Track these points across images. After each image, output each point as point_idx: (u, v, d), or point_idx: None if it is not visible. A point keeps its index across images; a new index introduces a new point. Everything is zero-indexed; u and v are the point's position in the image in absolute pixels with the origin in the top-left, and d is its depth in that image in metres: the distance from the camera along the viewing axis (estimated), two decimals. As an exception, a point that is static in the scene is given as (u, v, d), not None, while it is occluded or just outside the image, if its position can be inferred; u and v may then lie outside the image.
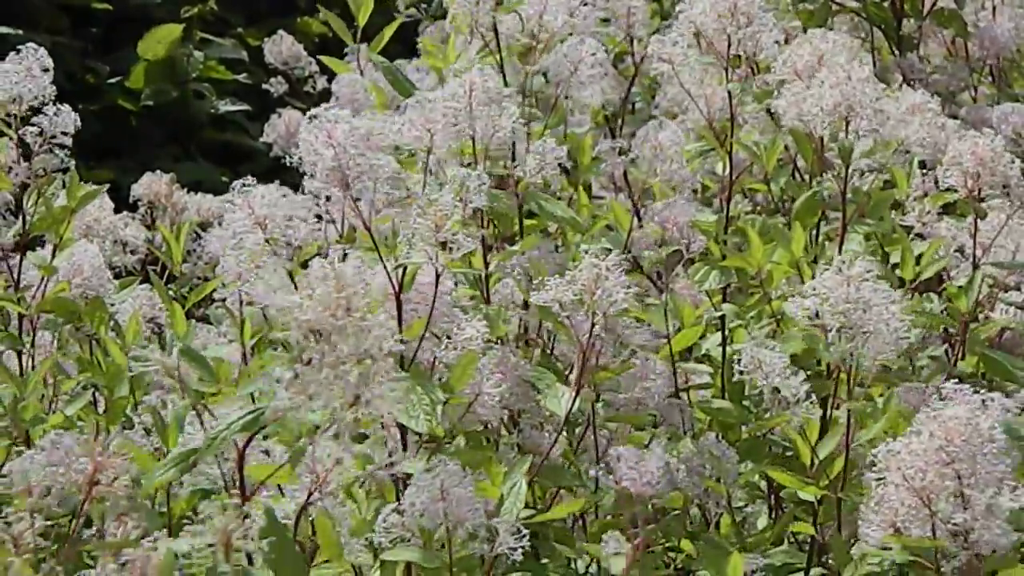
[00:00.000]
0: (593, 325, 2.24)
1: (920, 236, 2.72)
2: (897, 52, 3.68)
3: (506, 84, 2.68)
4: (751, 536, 2.53)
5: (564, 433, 2.40)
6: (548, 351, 2.58)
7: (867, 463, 2.03)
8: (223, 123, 6.08)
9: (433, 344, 2.23)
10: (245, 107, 6.00)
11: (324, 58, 3.38)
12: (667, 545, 2.57)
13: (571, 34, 2.75)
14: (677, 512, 2.49)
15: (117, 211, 3.26)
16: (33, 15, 6.04)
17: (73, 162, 2.55)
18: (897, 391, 2.40)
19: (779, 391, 2.29)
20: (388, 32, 3.16)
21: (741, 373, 2.30)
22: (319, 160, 2.13)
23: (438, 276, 2.16)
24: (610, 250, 2.24)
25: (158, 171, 3.89)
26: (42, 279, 2.57)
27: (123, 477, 1.79)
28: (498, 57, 2.72)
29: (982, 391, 2.32)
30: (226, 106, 6.07)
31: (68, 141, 2.52)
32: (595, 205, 3.01)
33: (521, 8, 2.74)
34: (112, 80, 6.06)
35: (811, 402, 2.29)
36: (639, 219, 2.87)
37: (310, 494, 1.90)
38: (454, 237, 2.13)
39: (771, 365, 2.30)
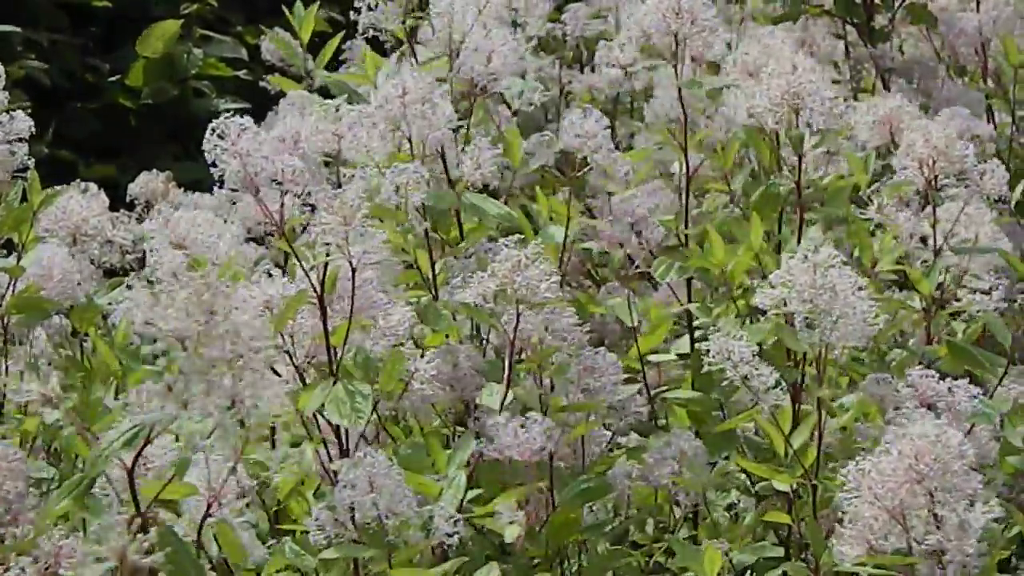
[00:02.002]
0: (518, 316, 2.25)
1: (881, 227, 2.75)
2: (870, 45, 3.70)
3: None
4: (729, 529, 2.54)
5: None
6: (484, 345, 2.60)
7: (838, 484, 2.03)
8: (223, 121, 6.09)
9: (361, 335, 2.24)
10: (245, 105, 6.01)
11: (276, 78, 3.41)
12: (645, 542, 2.61)
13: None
14: (644, 508, 2.53)
15: (116, 209, 3.29)
16: (33, 13, 6.04)
17: (32, 160, 2.60)
18: (864, 382, 2.43)
19: (748, 380, 2.30)
20: (331, 48, 3.17)
21: (710, 364, 2.31)
22: (226, 170, 2.16)
23: (354, 271, 2.16)
24: (526, 240, 2.26)
25: (155, 170, 3.91)
26: (10, 281, 2.62)
27: (14, 479, 1.78)
28: (412, 63, 2.74)
29: (948, 378, 2.36)
30: (226, 104, 6.09)
31: (24, 147, 2.58)
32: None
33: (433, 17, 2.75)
34: (112, 78, 6.07)
35: (781, 389, 2.31)
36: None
37: (209, 506, 1.90)
38: (362, 229, 2.13)
39: (740, 355, 2.31)
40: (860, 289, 2.24)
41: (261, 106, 5.25)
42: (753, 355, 2.30)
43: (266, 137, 2.17)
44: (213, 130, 2.17)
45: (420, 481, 2.17)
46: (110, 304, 2.90)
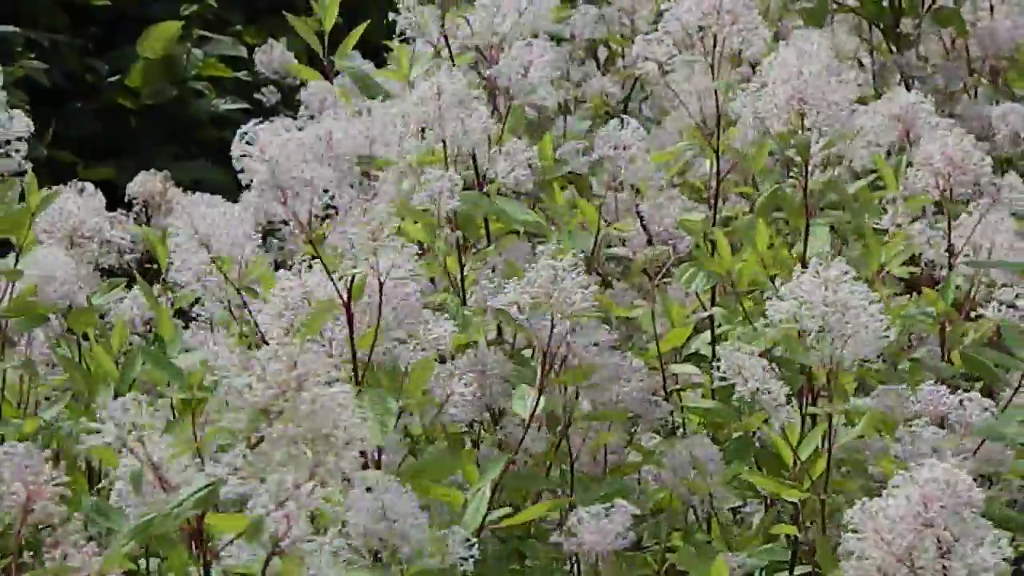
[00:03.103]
0: (553, 327, 2.23)
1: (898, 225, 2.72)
2: (895, 50, 3.67)
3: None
4: (740, 535, 2.52)
5: (546, 431, 2.40)
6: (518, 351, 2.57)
7: (844, 523, 1.99)
8: (222, 121, 6.07)
9: (401, 348, 2.24)
10: (244, 105, 6.00)
11: (298, 67, 3.31)
12: (662, 545, 2.58)
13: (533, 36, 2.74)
14: (663, 512, 2.50)
15: (114, 210, 3.25)
16: (32, 13, 6.02)
17: (29, 164, 2.56)
18: (874, 393, 2.40)
19: (758, 395, 2.28)
20: (353, 37, 3.10)
21: (723, 379, 2.28)
22: (254, 176, 2.13)
23: (382, 285, 2.16)
24: (565, 251, 2.23)
25: (154, 170, 3.88)
26: (8, 284, 2.56)
27: (57, 503, 1.75)
28: (451, 64, 2.70)
29: (960, 392, 2.32)
30: (226, 105, 6.07)
31: (23, 146, 2.54)
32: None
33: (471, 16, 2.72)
34: (112, 79, 6.05)
35: (792, 407, 2.28)
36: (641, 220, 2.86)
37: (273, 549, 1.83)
38: (392, 244, 2.13)
39: (751, 370, 2.28)
40: (872, 303, 2.22)
41: (261, 107, 5.23)
42: (764, 370, 2.27)
43: (296, 141, 2.15)
44: (242, 136, 2.14)
45: (444, 492, 2.14)
46: (110, 304, 2.86)
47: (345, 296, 2.16)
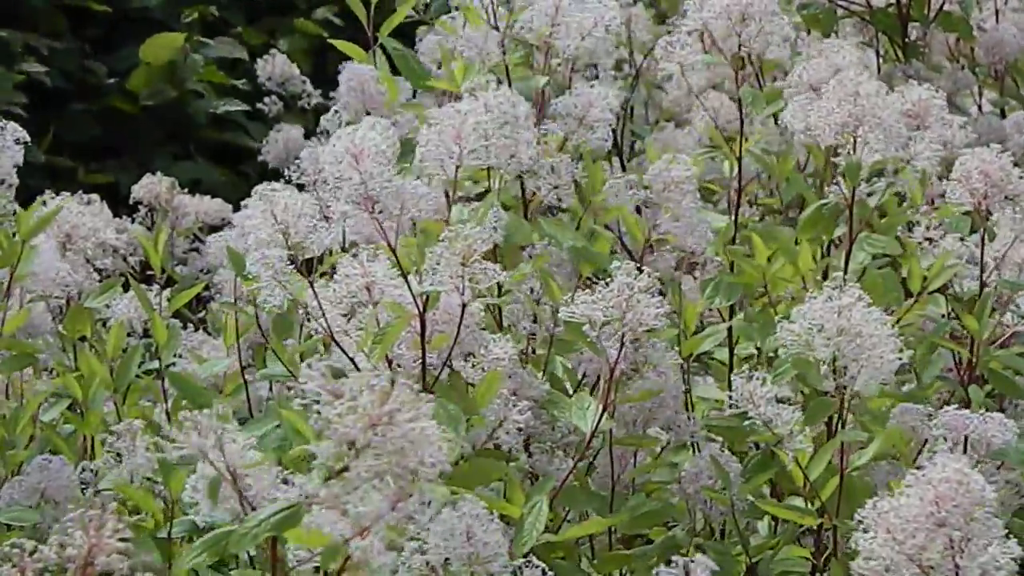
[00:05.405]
0: (623, 345, 2.19)
1: (929, 240, 2.69)
2: (903, 58, 3.65)
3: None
4: (754, 542, 2.50)
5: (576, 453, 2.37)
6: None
7: (856, 523, 1.96)
8: (222, 123, 6.05)
9: (459, 366, 2.21)
10: (244, 107, 5.98)
11: (337, 42, 3.20)
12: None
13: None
14: (680, 525, 2.49)
15: (116, 212, 3.24)
16: (32, 16, 6.01)
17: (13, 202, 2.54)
18: (894, 411, 2.36)
19: (771, 424, 2.24)
20: (398, 17, 2.96)
21: (732, 407, 2.26)
22: (345, 184, 2.10)
23: (464, 307, 2.12)
24: (641, 269, 2.17)
25: (158, 172, 3.87)
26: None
27: (119, 557, 1.70)
28: (506, 80, 2.66)
29: (982, 413, 2.29)
30: (225, 106, 6.05)
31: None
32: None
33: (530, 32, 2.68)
34: (111, 81, 6.03)
35: (804, 435, 2.25)
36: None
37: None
38: (481, 269, 2.10)
39: (762, 397, 2.24)
40: (884, 325, 2.17)
41: (259, 107, 5.23)
42: (777, 400, 2.24)
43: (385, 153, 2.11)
44: (337, 138, 2.11)
45: (500, 505, 2.09)
46: (107, 306, 2.85)
47: (421, 308, 2.12)
